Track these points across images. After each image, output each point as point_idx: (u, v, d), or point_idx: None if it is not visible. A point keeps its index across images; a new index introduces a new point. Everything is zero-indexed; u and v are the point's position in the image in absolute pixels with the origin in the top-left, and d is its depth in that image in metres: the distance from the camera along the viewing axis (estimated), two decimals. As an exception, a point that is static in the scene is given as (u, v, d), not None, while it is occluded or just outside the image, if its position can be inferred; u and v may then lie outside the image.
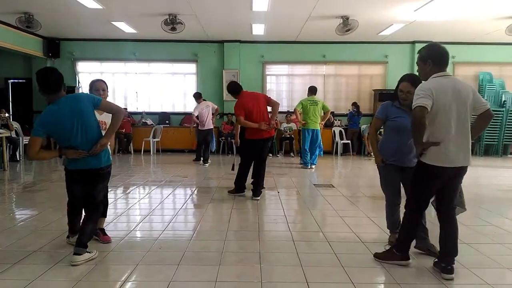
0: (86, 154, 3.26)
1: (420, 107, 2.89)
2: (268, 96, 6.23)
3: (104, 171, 3.45)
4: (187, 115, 11.92)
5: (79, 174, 3.38)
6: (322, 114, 9.11)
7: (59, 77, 3.25)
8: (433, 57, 3.12)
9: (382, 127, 3.80)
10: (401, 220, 3.44)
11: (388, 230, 3.91)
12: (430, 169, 3.05)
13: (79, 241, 3.35)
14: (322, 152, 9.58)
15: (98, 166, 3.37)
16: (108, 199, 4.06)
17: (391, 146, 3.63)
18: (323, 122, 9.24)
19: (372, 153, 11.40)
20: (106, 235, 3.91)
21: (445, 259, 3.13)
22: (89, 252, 3.39)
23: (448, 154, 3.00)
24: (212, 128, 9.72)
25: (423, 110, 2.89)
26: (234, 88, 6.04)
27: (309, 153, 9.10)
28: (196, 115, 9.56)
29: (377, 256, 3.47)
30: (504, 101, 11.58)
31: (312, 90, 9.14)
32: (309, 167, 9.05)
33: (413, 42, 11.99)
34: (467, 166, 3.11)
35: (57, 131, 3.26)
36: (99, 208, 3.58)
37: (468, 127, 3.07)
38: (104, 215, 3.96)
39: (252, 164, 6.02)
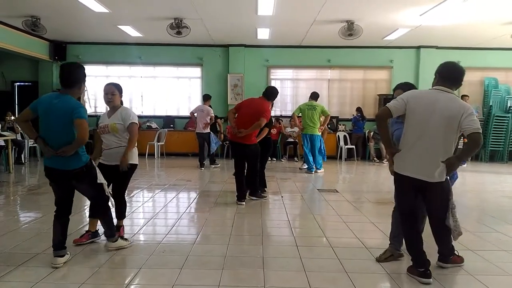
0: (52, 152, 3.25)
1: (384, 108, 3.14)
2: (265, 114, 5.72)
3: (73, 173, 3.33)
4: (192, 119, 11.93)
5: (49, 173, 3.40)
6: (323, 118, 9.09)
7: (77, 75, 3.41)
8: (441, 72, 3.16)
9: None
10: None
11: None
12: (397, 176, 3.22)
13: (107, 232, 3.73)
14: (325, 157, 9.55)
15: (62, 167, 3.31)
16: (124, 203, 4.10)
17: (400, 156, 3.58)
18: (322, 127, 9.17)
19: (375, 159, 11.44)
20: (119, 230, 4.00)
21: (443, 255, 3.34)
22: (125, 239, 3.87)
23: (409, 163, 3.10)
24: (207, 132, 9.70)
25: (385, 110, 3.12)
26: (268, 91, 6.13)
27: (312, 158, 9.06)
28: (193, 113, 9.78)
29: (408, 270, 3.27)
30: (510, 107, 11.51)
31: (313, 96, 9.17)
32: (313, 172, 9.02)
33: (419, 47, 11.97)
34: (433, 183, 3.04)
35: (40, 116, 3.30)
36: (105, 211, 3.69)
37: (443, 143, 3.00)
38: (121, 217, 4.10)
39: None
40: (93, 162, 3.57)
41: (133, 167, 3.98)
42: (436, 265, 3.36)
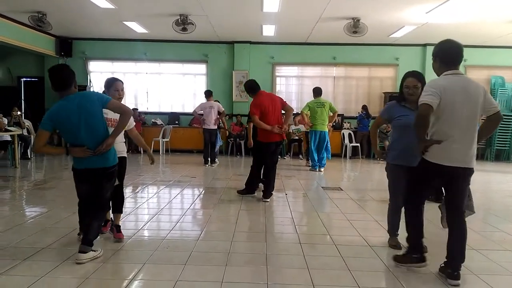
0: (91, 153, 3.26)
1: (425, 105, 2.89)
2: (284, 101, 6.08)
3: (110, 170, 3.44)
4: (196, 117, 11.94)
5: (86, 173, 3.39)
6: (330, 114, 9.04)
7: (70, 73, 3.29)
8: (440, 55, 3.12)
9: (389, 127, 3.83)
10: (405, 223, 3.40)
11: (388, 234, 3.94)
12: (431, 166, 3.04)
13: (84, 239, 3.38)
14: (330, 155, 9.52)
15: (104, 165, 3.37)
16: (124, 196, 4.17)
17: (398, 146, 3.64)
18: (331, 124, 9.15)
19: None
20: (120, 232, 3.97)
21: (452, 264, 3.08)
22: (94, 251, 3.41)
23: (450, 152, 2.98)
24: (216, 129, 9.61)
25: (428, 108, 2.89)
26: (252, 86, 5.92)
27: (316, 156, 9.03)
28: (196, 111, 9.50)
29: (396, 259, 3.41)
30: (516, 105, 11.44)
31: (317, 92, 9.01)
32: (318, 170, 9.01)
33: (425, 45, 11.90)
34: (470, 168, 3.06)
35: (63, 127, 3.28)
36: (105, 207, 3.62)
37: (475, 128, 3.02)
38: (120, 211, 4.07)
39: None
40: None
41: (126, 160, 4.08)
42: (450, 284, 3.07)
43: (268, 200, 5.84)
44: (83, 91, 3.39)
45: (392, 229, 3.87)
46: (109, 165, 3.41)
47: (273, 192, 6.19)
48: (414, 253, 3.29)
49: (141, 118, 12.04)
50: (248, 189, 6.12)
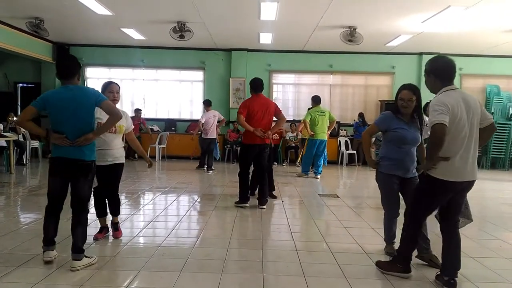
0: (69, 143, 3.28)
1: (441, 125, 2.81)
2: (280, 109, 6.07)
3: (85, 163, 3.38)
4: (193, 122, 11.95)
5: (61, 163, 3.36)
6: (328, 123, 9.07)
7: (75, 65, 3.43)
8: (435, 72, 3.12)
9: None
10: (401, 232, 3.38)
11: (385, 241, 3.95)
12: (437, 183, 2.98)
13: (74, 247, 3.35)
14: (326, 162, 9.55)
15: (80, 157, 3.33)
16: (119, 199, 4.29)
17: (393, 156, 3.65)
18: (329, 132, 9.19)
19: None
20: (118, 230, 4.20)
21: (447, 272, 3.09)
22: (89, 257, 3.41)
23: (458, 168, 2.96)
24: (215, 138, 9.80)
25: (443, 128, 2.81)
26: (252, 85, 5.96)
27: (311, 163, 9.08)
28: (203, 122, 9.61)
29: (379, 265, 3.48)
30: (511, 114, 11.51)
31: (317, 101, 9.04)
32: (308, 176, 9.07)
33: (421, 53, 11.99)
34: (475, 180, 3.08)
35: (52, 110, 3.31)
36: (85, 208, 3.47)
37: (477, 140, 3.05)
38: (116, 213, 4.23)
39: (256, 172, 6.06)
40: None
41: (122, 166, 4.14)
42: None
43: (264, 207, 5.82)
44: (88, 87, 3.64)
45: (389, 238, 3.88)
46: (84, 159, 3.36)
47: (270, 199, 6.19)
48: (401, 263, 3.31)
49: (142, 121, 11.91)
50: (241, 198, 5.96)
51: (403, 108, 3.57)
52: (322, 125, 8.84)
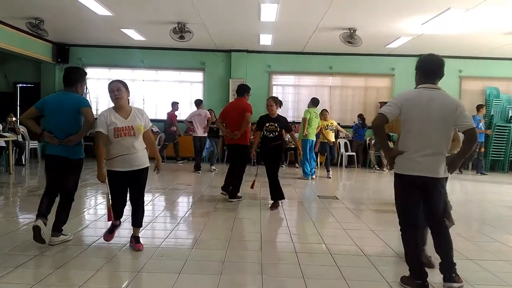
0: (58, 142, 3.79)
1: (379, 114, 3.08)
2: (249, 113, 6.24)
3: (72, 162, 3.90)
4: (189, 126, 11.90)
5: (51, 160, 3.89)
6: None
7: (75, 75, 4.00)
8: (420, 68, 3.18)
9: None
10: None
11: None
12: (399, 177, 3.14)
13: (55, 226, 3.90)
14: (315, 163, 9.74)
15: (67, 156, 3.84)
16: (144, 210, 3.99)
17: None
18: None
19: (376, 166, 11.42)
20: (140, 243, 3.88)
21: (446, 269, 3.08)
22: (65, 235, 3.97)
23: (414, 162, 3.04)
24: (205, 136, 9.95)
25: (381, 117, 3.06)
26: (238, 89, 6.47)
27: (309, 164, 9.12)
28: (188, 120, 10.10)
29: (401, 280, 3.22)
30: (511, 116, 11.50)
31: (315, 103, 9.16)
32: (311, 178, 9.04)
33: (420, 55, 11.78)
34: (438, 178, 3.05)
35: (46, 112, 3.88)
36: (70, 199, 4.01)
37: (441, 139, 3.05)
38: (139, 225, 3.94)
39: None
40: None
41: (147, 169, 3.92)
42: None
43: (231, 200, 6.20)
44: (76, 94, 3.96)
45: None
46: (71, 157, 3.86)
47: (269, 201, 6.18)
48: (415, 277, 3.08)
49: (173, 120, 11.36)
50: (231, 193, 6.35)
51: None
52: (315, 125, 9.01)
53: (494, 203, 7.15)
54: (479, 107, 10.70)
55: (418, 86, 3.13)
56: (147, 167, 3.87)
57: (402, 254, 3.61)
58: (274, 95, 12.64)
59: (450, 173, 3.14)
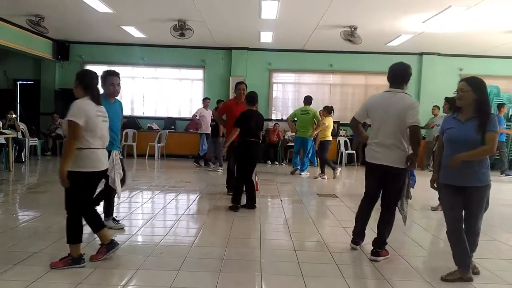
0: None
1: (352, 118, 3.93)
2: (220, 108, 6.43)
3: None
4: (195, 121, 11.89)
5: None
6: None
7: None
8: (388, 74, 3.74)
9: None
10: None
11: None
12: (367, 165, 3.83)
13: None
14: (315, 162, 9.75)
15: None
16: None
17: (442, 161, 3.34)
18: (314, 132, 9.04)
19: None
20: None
21: (376, 243, 3.72)
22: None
23: (373, 151, 3.71)
24: (208, 133, 10.16)
25: (353, 120, 3.92)
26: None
27: (298, 157, 9.38)
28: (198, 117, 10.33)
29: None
30: (511, 115, 11.48)
31: (305, 101, 9.21)
32: (295, 169, 9.37)
33: (421, 54, 11.97)
34: (394, 167, 3.57)
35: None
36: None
37: (396, 136, 3.57)
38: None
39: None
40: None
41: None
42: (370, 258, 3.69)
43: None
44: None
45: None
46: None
47: (269, 199, 6.19)
48: (355, 241, 4.02)
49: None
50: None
51: (457, 99, 3.28)
52: (300, 122, 9.08)
53: (493, 201, 7.08)
54: (499, 106, 10.23)
55: (384, 91, 3.75)
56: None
57: (399, 251, 3.75)
58: (274, 93, 12.67)
59: (410, 167, 3.64)
